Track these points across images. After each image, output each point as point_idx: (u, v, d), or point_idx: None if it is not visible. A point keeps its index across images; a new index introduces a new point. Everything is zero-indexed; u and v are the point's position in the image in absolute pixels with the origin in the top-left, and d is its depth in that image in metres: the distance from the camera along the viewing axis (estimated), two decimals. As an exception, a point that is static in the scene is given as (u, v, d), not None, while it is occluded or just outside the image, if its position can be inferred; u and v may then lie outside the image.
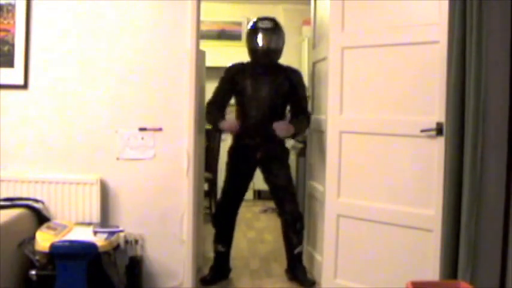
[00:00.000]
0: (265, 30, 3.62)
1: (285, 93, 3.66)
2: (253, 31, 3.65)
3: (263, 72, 3.67)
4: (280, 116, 3.68)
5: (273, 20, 3.70)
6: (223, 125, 3.62)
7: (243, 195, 3.81)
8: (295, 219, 3.65)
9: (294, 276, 3.71)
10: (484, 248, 2.43)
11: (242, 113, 3.72)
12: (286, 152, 3.80)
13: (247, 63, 3.74)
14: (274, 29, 3.64)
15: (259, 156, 3.66)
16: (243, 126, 3.65)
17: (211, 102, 3.72)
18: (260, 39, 3.60)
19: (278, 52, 3.67)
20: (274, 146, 3.67)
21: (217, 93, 3.74)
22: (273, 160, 3.67)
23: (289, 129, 3.54)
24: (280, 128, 3.52)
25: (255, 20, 3.71)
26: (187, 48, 3.27)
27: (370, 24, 3.11)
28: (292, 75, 3.72)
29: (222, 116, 3.69)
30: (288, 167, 3.77)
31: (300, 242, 3.68)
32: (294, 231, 3.66)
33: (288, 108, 3.80)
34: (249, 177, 3.80)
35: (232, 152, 3.77)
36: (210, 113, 3.69)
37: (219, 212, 3.79)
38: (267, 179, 3.75)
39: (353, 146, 3.20)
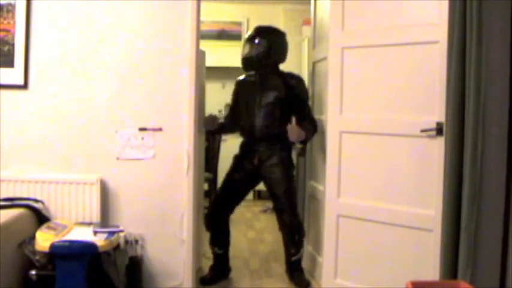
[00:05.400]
0: (246, 40, 3.71)
1: (284, 99, 3.61)
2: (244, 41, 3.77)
3: (261, 81, 3.67)
4: (283, 123, 3.59)
5: (259, 28, 3.73)
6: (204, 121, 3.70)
7: (237, 201, 3.78)
8: (294, 231, 3.61)
9: (291, 278, 3.72)
10: (484, 248, 2.43)
11: (244, 121, 3.73)
12: (289, 160, 3.69)
13: (251, 74, 3.77)
14: (254, 37, 3.65)
15: (256, 163, 3.63)
16: (245, 134, 3.74)
17: (225, 117, 3.88)
18: (243, 49, 3.72)
19: (259, 59, 3.60)
20: (275, 154, 3.61)
21: (230, 106, 3.93)
22: (273, 169, 3.61)
23: (300, 134, 3.49)
24: (294, 131, 3.47)
25: None
26: (187, 48, 3.27)
27: (370, 24, 3.11)
28: (291, 80, 3.67)
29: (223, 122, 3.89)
30: (290, 178, 3.65)
31: (298, 252, 3.65)
32: (293, 242, 3.63)
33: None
34: (246, 184, 3.78)
35: (235, 158, 3.77)
36: None
37: (209, 215, 3.76)
38: (267, 188, 3.73)
39: (353, 146, 3.20)
